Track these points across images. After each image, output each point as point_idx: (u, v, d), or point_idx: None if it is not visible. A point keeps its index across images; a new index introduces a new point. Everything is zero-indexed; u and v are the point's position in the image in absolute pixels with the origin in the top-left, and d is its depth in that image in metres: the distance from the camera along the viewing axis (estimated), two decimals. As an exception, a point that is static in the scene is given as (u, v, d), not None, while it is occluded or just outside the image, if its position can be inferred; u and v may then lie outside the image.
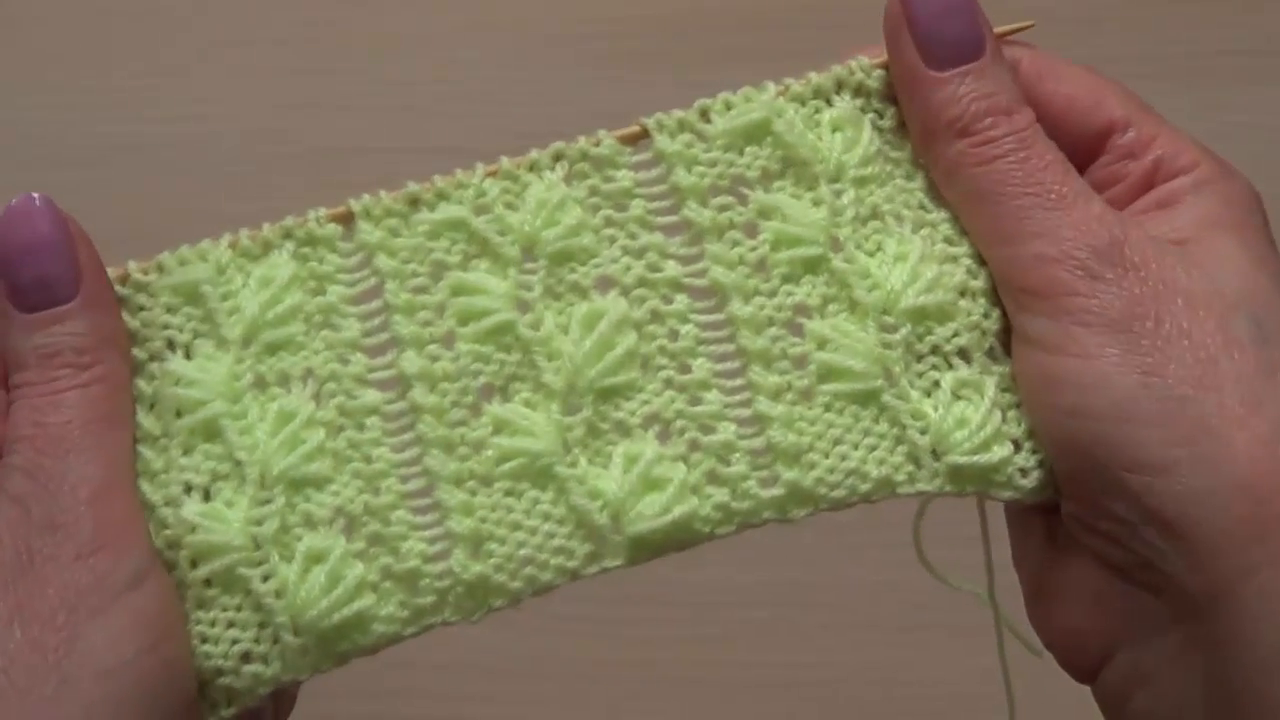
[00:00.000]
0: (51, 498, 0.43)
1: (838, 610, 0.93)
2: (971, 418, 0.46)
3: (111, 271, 0.46)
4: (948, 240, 0.47)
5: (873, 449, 0.46)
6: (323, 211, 0.47)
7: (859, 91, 0.48)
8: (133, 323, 0.47)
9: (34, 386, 0.44)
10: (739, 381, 0.47)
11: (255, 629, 0.45)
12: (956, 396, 0.46)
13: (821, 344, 0.47)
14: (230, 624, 0.45)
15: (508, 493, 0.46)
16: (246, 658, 0.45)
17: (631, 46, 0.95)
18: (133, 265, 0.47)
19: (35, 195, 0.45)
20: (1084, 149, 0.47)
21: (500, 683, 0.92)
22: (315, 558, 0.45)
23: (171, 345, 0.47)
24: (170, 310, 0.47)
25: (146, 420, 0.46)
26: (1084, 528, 0.45)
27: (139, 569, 0.43)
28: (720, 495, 0.46)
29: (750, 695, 0.94)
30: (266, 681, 0.45)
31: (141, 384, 0.46)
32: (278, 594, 0.45)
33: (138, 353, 0.47)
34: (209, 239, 0.47)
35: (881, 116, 0.48)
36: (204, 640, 0.45)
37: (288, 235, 0.47)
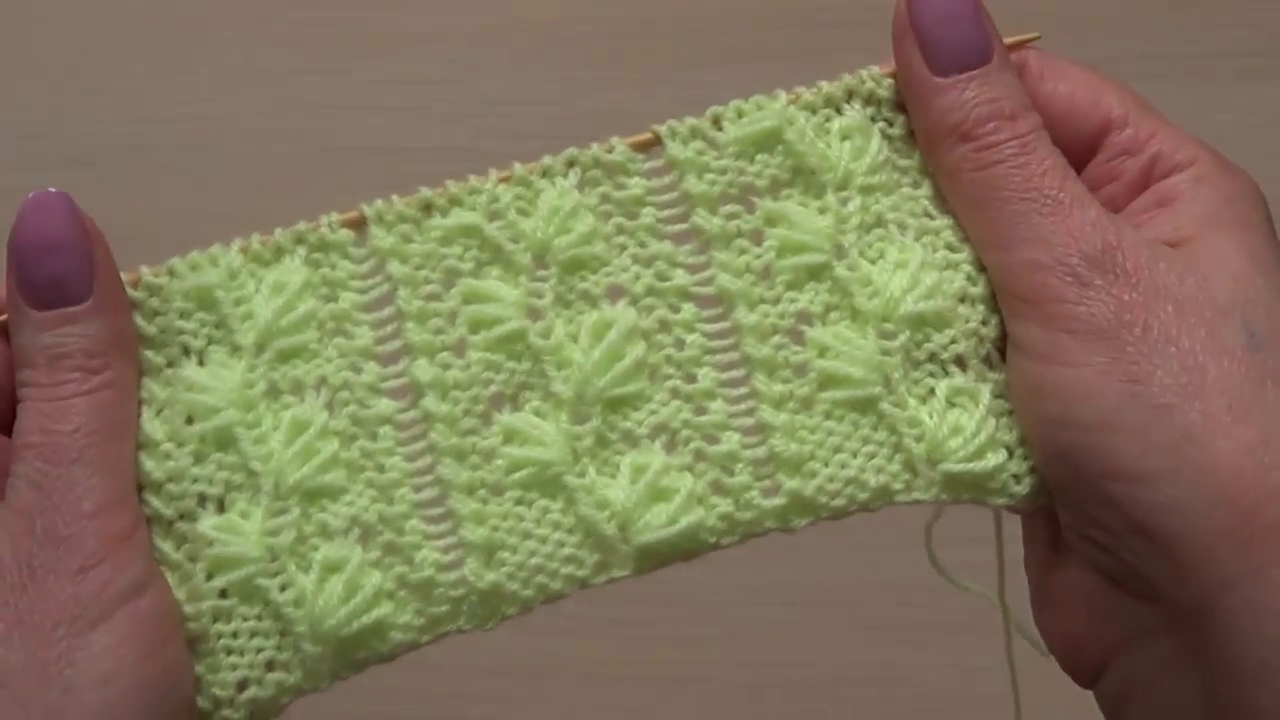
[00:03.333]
0: (55, 510, 0.43)
1: (838, 610, 0.93)
2: (966, 425, 0.46)
3: (123, 275, 0.46)
4: (950, 247, 0.48)
5: (871, 457, 0.47)
6: (335, 216, 0.47)
7: (869, 100, 0.48)
8: (149, 328, 0.46)
9: (41, 389, 0.44)
10: (743, 390, 0.47)
11: (277, 637, 0.45)
12: (951, 404, 0.47)
13: (822, 351, 0.47)
14: (253, 634, 0.45)
15: (518, 501, 0.46)
16: (270, 666, 0.45)
17: (631, 46, 0.94)
18: (145, 270, 0.47)
19: (53, 190, 0.45)
20: (1082, 146, 0.47)
21: (500, 683, 0.92)
22: (332, 567, 0.45)
23: (186, 351, 0.47)
24: (184, 315, 0.47)
25: (150, 426, 0.46)
26: (1077, 535, 0.45)
27: (139, 579, 0.43)
28: (724, 505, 0.46)
29: (750, 695, 0.94)
30: (289, 690, 0.45)
31: (155, 388, 0.46)
32: (296, 603, 0.45)
33: (154, 357, 0.46)
34: (219, 243, 0.47)
35: (891, 125, 0.49)
36: (229, 652, 0.45)
37: (300, 240, 0.47)
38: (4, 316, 0.45)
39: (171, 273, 0.47)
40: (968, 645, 0.89)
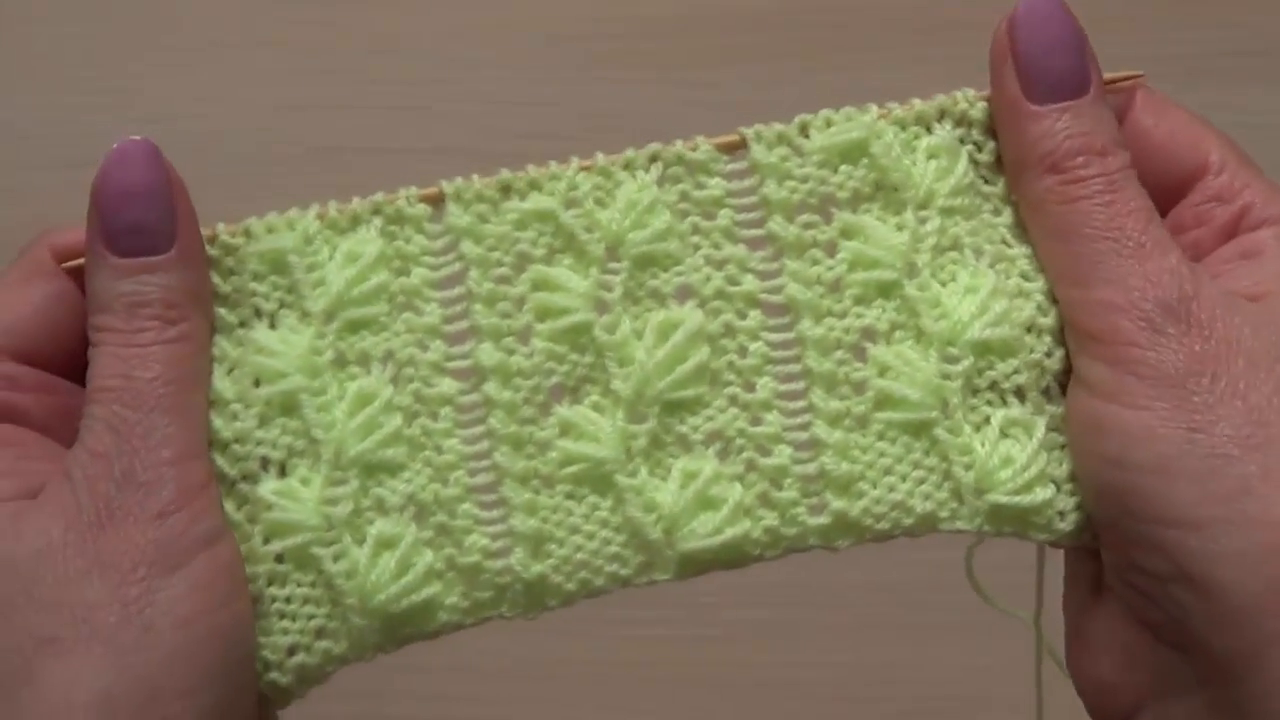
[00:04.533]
0: (134, 454, 0.43)
1: (838, 610, 0.93)
2: (1017, 457, 0.46)
3: (202, 232, 0.46)
4: (1024, 276, 0.47)
5: (920, 482, 0.47)
6: (414, 190, 0.47)
7: (960, 121, 0.48)
8: (224, 286, 0.47)
9: (119, 334, 0.44)
10: (800, 404, 0.47)
11: (328, 606, 0.46)
12: (1004, 434, 0.47)
13: (882, 371, 0.47)
14: (306, 600, 0.46)
15: (569, 496, 0.47)
16: (320, 634, 0.46)
17: (631, 46, 0.94)
18: (221, 227, 0.47)
19: (140, 138, 0.45)
20: (1174, 186, 0.47)
21: (500, 683, 0.92)
22: (386, 543, 0.46)
23: (258, 313, 0.47)
24: (257, 278, 0.47)
25: (221, 384, 0.46)
26: (1119, 579, 0.45)
27: (214, 529, 0.44)
28: (770, 519, 0.47)
29: (750, 695, 0.94)
30: (335, 659, 0.46)
31: (227, 346, 0.46)
32: (348, 575, 0.45)
33: (227, 315, 0.47)
34: (297, 208, 0.47)
35: (980, 150, 0.48)
36: (281, 616, 0.46)
37: (376, 211, 0.47)
38: (78, 261, 0.46)
39: (248, 233, 0.47)
40: (969, 645, 0.89)
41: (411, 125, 0.95)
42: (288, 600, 0.46)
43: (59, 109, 0.96)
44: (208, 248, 0.46)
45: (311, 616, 0.46)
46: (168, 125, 0.96)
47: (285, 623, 0.46)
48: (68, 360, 0.46)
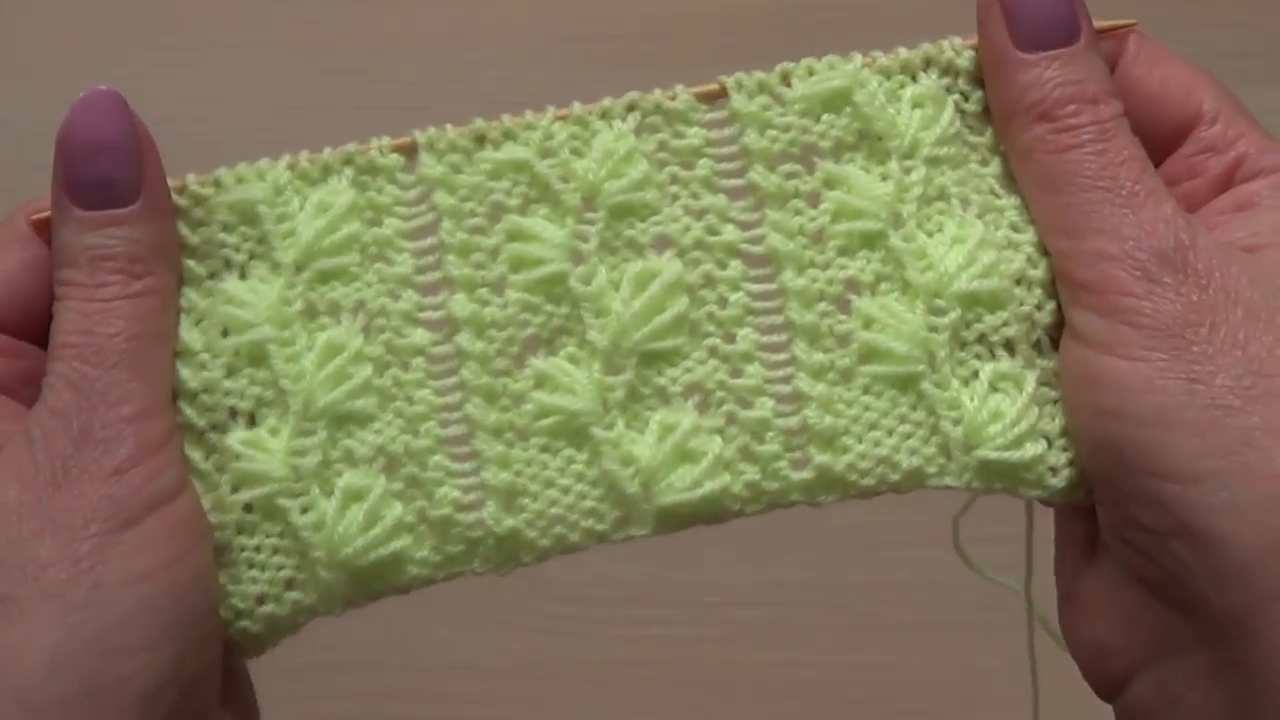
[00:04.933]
0: (93, 410, 0.42)
1: (838, 610, 0.93)
2: (1007, 412, 0.45)
3: (171, 181, 0.46)
4: (1013, 227, 0.46)
5: (907, 437, 0.46)
6: (386, 140, 0.47)
7: (947, 70, 0.47)
8: (192, 238, 0.46)
9: (82, 288, 0.44)
10: (782, 356, 0.46)
11: (297, 557, 0.45)
12: (994, 388, 0.45)
13: (868, 323, 0.46)
14: (275, 550, 0.45)
15: (543, 449, 0.46)
16: (290, 585, 0.45)
17: (631, 46, 0.94)
18: (190, 178, 0.46)
19: (106, 89, 0.44)
20: (1168, 136, 0.46)
21: (500, 683, 0.92)
22: (354, 495, 0.45)
23: (228, 264, 0.46)
24: (227, 229, 0.46)
25: (189, 335, 0.45)
26: (1115, 537, 0.44)
27: (172, 485, 0.43)
28: (751, 473, 0.46)
29: (750, 695, 0.94)
30: (305, 610, 0.46)
31: (195, 298, 0.46)
32: (315, 528, 0.45)
33: (195, 267, 0.46)
34: (268, 158, 0.47)
35: (966, 99, 0.47)
36: (250, 565, 0.45)
37: (348, 161, 0.47)
38: (44, 214, 0.45)
39: (217, 184, 0.46)
40: (969, 645, 0.89)
41: (411, 125, 0.95)
42: (257, 550, 0.45)
43: (59, 109, 0.96)
44: (176, 198, 0.46)
45: (280, 567, 0.45)
46: (168, 125, 0.96)
47: (254, 572, 0.45)
48: (39, 327, 0.45)
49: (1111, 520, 0.44)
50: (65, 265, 0.44)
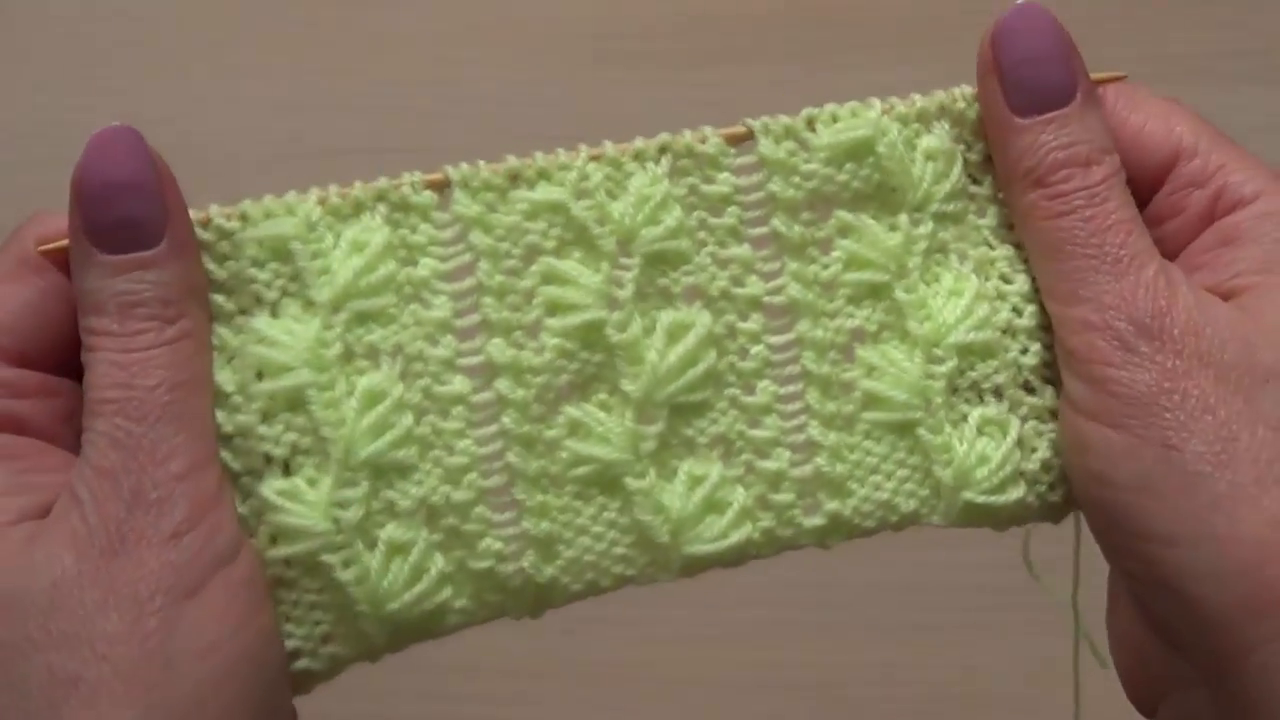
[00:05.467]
0: (141, 470, 0.41)
1: (838, 610, 0.93)
2: (992, 456, 0.47)
3: (192, 214, 0.44)
4: (1003, 278, 0.48)
5: (904, 481, 0.48)
6: (418, 176, 0.46)
7: (957, 121, 0.48)
8: (219, 272, 0.44)
9: (114, 338, 0.41)
10: (796, 405, 0.47)
11: (336, 611, 0.44)
12: (980, 432, 0.48)
13: (869, 371, 0.48)
14: (313, 606, 0.44)
15: (577, 496, 0.46)
16: (326, 639, 0.45)
17: (631, 46, 0.94)
18: (215, 210, 0.44)
19: (124, 127, 0.42)
20: (1151, 176, 0.47)
21: (500, 683, 0.92)
22: (398, 549, 0.44)
23: (259, 301, 0.44)
24: (257, 264, 0.44)
25: (221, 375, 0.44)
26: (1121, 579, 0.47)
27: (231, 543, 0.42)
28: (767, 521, 0.47)
29: (750, 695, 0.94)
30: (342, 663, 0.45)
31: (226, 335, 0.44)
32: (358, 582, 0.44)
33: (224, 303, 0.44)
34: (294, 191, 0.45)
35: (970, 149, 0.49)
36: (287, 619, 0.44)
37: (380, 197, 0.45)
38: (60, 244, 0.43)
39: (244, 217, 0.44)
40: (969, 645, 0.89)
41: (411, 125, 0.95)
42: (294, 605, 0.44)
43: (59, 109, 0.96)
44: (201, 231, 0.44)
45: (318, 622, 0.44)
46: (168, 125, 0.96)
47: (290, 626, 0.44)
48: (66, 357, 0.43)
49: (1113, 567, 0.47)
50: (92, 313, 0.42)
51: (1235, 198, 0.46)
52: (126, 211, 0.42)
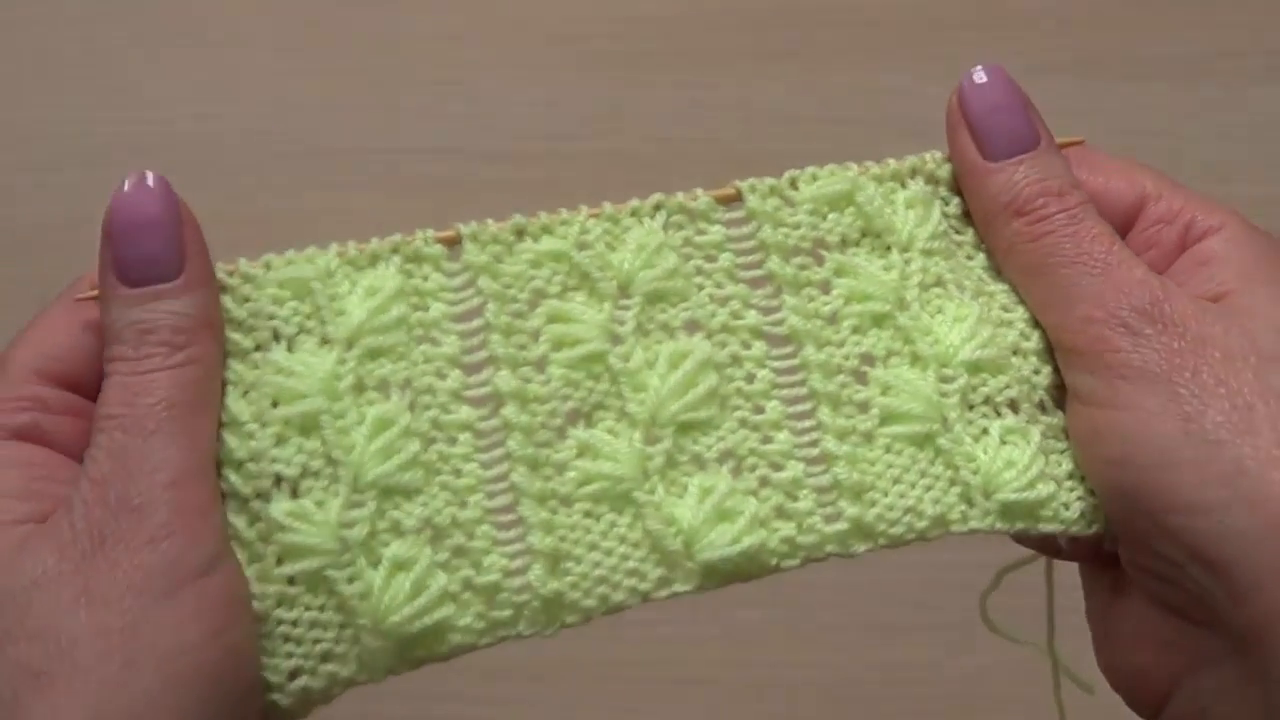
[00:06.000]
0: (130, 480, 0.43)
1: (838, 610, 0.93)
2: (1018, 460, 0.49)
3: (222, 265, 0.47)
4: (1004, 308, 0.51)
5: (929, 488, 0.49)
6: (430, 232, 0.49)
7: (930, 179, 0.52)
8: (238, 312, 0.47)
9: (127, 362, 0.44)
10: (808, 423, 0.49)
11: (337, 629, 0.46)
12: (1004, 442, 0.49)
13: (884, 390, 0.50)
14: (314, 624, 0.46)
15: (587, 514, 0.48)
16: (326, 657, 0.46)
17: (631, 46, 0.95)
18: (243, 261, 0.48)
19: (149, 173, 0.46)
20: (1120, 221, 0.50)
21: (500, 683, 0.92)
22: (401, 565, 0.46)
23: (276, 336, 0.47)
24: (277, 302, 0.48)
25: (237, 406, 0.46)
26: (1139, 569, 0.48)
27: (210, 556, 0.43)
28: (787, 529, 0.48)
29: (750, 695, 0.94)
30: (342, 682, 0.46)
31: (242, 369, 0.47)
32: (362, 597, 0.45)
33: (241, 340, 0.47)
34: (315, 246, 0.48)
35: (947, 204, 0.52)
36: (286, 639, 0.45)
37: (395, 250, 0.49)
38: (93, 293, 0.46)
39: (268, 266, 0.48)
40: (968, 645, 0.89)
41: (411, 125, 0.95)
42: (294, 624, 0.45)
43: (59, 109, 0.96)
44: (228, 277, 0.47)
45: (318, 640, 0.46)
46: (168, 125, 0.96)
47: (290, 645, 0.45)
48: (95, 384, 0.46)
49: (1134, 556, 0.48)
50: (113, 342, 0.45)
51: (1204, 228, 0.49)
52: (148, 248, 0.45)
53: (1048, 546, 0.52)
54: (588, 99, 0.93)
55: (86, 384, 0.46)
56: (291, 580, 0.46)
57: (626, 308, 0.49)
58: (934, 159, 0.52)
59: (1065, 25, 0.79)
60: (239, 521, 0.46)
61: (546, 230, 0.50)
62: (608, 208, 0.50)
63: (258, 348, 0.47)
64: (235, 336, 0.47)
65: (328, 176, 0.92)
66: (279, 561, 0.45)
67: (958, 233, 0.52)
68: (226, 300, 0.47)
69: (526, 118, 0.93)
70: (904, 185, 0.52)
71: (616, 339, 0.49)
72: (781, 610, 0.93)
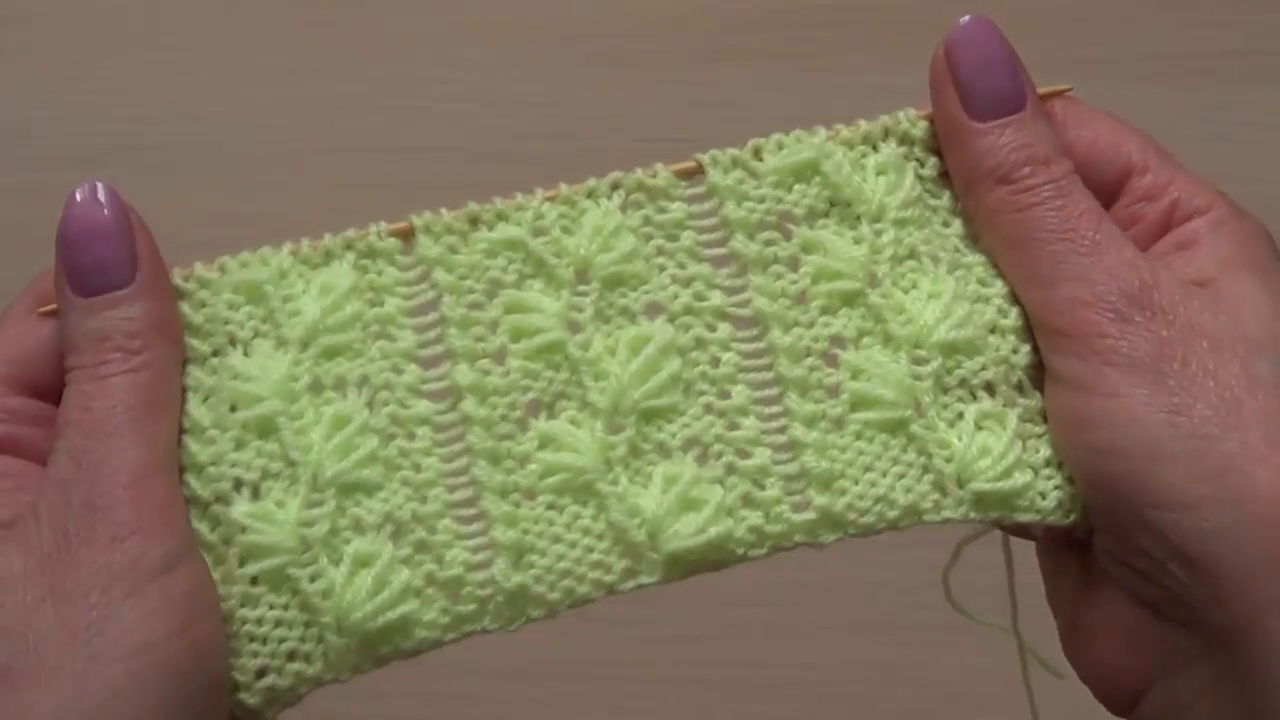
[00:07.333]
0: (91, 481, 0.43)
1: (838, 610, 0.93)
2: (994, 447, 0.47)
3: (179, 270, 0.48)
4: (981, 282, 0.49)
5: (900, 476, 0.48)
6: (384, 226, 0.49)
7: (904, 140, 0.50)
8: (195, 317, 0.48)
9: (85, 369, 0.45)
10: (776, 409, 0.48)
11: (301, 628, 0.46)
12: (979, 427, 0.48)
13: (855, 374, 0.48)
14: (278, 623, 0.46)
15: (550, 506, 0.47)
16: (292, 656, 0.46)
17: (631, 46, 0.95)
18: (198, 265, 0.48)
19: (99, 184, 0.46)
20: (1105, 191, 0.49)
21: (500, 683, 0.92)
22: (362, 561, 0.46)
23: (233, 341, 0.48)
24: (232, 307, 0.48)
25: (197, 411, 0.47)
26: (1116, 562, 0.46)
27: (173, 553, 0.44)
28: (754, 518, 0.47)
29: (750, 695, 0.94)
30: (308, 680, 0.46)
31: (201, 375, 0.47)
32: (324, 594, 0.46)
33: (199, 345, 0.47)
34: (269, 245, 0.48)
35: (923, 165, 0.50)
36: (251, 639, 0.46)
37: (349, 246, 0.48)
38: (52, 307, 0.47)
39: (222, 269, 0.48)
40: (967, 645, 0.89)
41: (411, 125, 0.95)
42: (259, 622, 0.46)
43: (59, 109, 0.96)
44: (183, 282, 0.48)
45: (283, 639, 0.46)
46: (168, 125, 0.96)
47: (255, 645, 0.46)
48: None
49: (1112, 547, 0.46)
50: (70, 350, 0.46)
51: (1189, 209, 0.48)
52: (98, 256, 0.46)
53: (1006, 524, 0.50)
54: (587, 99, 0.93)
55: (53, 390, 0.46)
56: (255, 580, 0.46)
57: (585, 294, 0.48)
58: (908, 117, 0.50)
59: (1065, 26, 0.79)
60: (202, 526, 0.46)
61: (501, 217, 0.49)
62: (564, 189, 0.49)
63: (215, 353, 0.48)
64: (194, 342, 0.48)
65: (328, 176, 0.92)
66: (241, 562, 0.46)
67: (933, 196, 0.50)
68: (184, 306, 0.48)
69: (526, 118, 0.93)
70: (875, 149, 0.50)
71: (575, 326, 0.48)
72: (781, 610, 0.93)
